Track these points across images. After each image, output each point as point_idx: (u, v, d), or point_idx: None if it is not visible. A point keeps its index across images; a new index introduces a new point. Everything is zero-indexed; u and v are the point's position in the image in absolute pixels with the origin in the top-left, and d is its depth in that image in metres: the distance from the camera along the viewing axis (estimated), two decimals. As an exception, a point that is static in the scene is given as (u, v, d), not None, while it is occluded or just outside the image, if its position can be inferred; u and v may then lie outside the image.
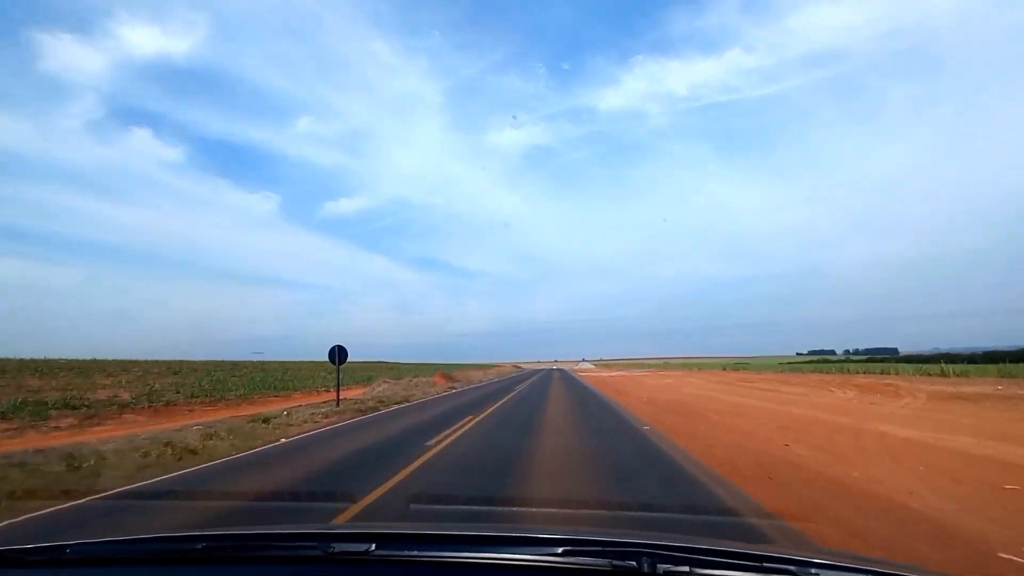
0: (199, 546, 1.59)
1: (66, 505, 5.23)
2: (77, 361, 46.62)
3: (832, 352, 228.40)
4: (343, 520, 4.37)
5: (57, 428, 14.91)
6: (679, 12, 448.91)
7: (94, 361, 48.46)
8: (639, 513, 4.65)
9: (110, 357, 53.40)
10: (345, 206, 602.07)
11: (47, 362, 44.24)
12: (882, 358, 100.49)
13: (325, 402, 19.45)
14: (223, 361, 62.73)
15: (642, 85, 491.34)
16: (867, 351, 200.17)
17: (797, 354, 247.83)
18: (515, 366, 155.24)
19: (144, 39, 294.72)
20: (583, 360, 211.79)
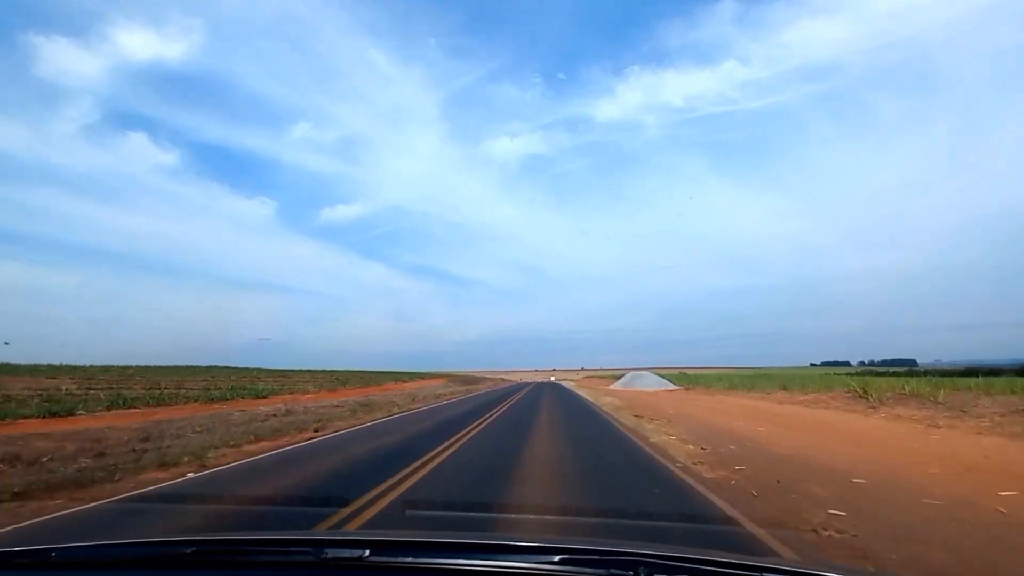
0: (189, 551, 1.56)
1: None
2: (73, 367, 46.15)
3: (847, 363, 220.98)
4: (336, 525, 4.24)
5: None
6: (673, 23, 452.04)
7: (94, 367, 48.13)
8: (636, 521, 4.59)
9: (101, 363, 52.68)
10: (342, 213, 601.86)
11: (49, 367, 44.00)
12: (907, 370, 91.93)
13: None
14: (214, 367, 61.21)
15: (637, 96, 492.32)
16: (883, 362, 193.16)
17: (811, 364, 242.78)
18: (466, 379, 77.52)
19: (140, 43, 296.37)
20: (639, 373, 52.91)
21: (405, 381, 62.26)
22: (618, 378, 55.95)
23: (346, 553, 1.50)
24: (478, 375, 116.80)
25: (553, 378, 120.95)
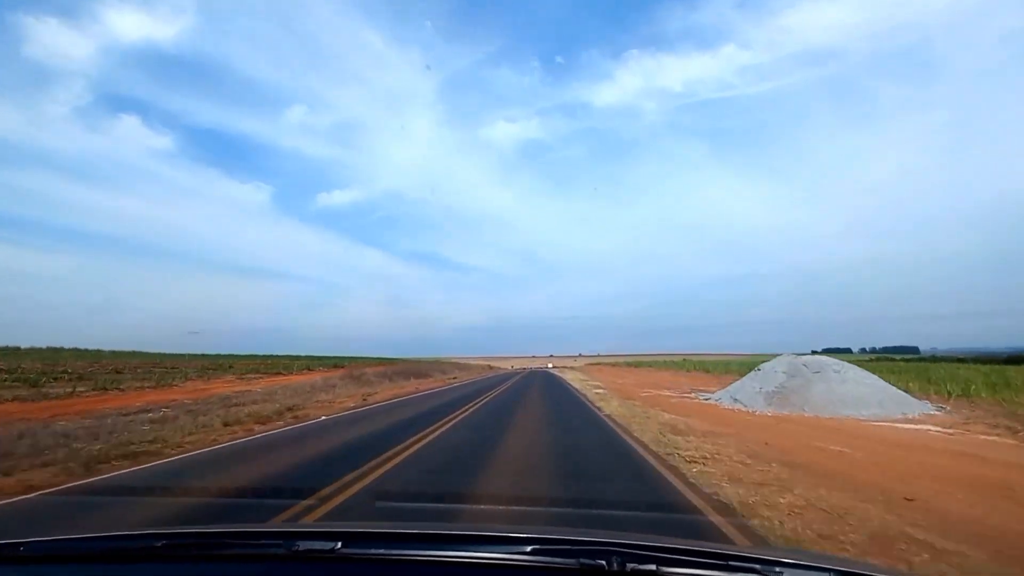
0: (159, 544, 1.55)
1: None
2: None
3: (848, 350, 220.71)
4: (309, 518, 4.36)
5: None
6: (673, 6, 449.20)
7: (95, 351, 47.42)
8: (607, 511, 4.65)
9: (93, 347, 51.14)
10: (338, 198, 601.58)
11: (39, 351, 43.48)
12: (930, 357, 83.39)
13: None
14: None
15: (636, 80, 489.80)
16: (884, 349, 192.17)
17: (812, 352, 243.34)
18: (408, 369, 43.53)
19: (131, 24, 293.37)
20: (820, 361, 15.45)
21: (283, 373, 37.09)
22: (744, 373, 20.95)
23: (318, 545, 1.49)
24: (459, 362, 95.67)
25: (550, 365, 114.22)
